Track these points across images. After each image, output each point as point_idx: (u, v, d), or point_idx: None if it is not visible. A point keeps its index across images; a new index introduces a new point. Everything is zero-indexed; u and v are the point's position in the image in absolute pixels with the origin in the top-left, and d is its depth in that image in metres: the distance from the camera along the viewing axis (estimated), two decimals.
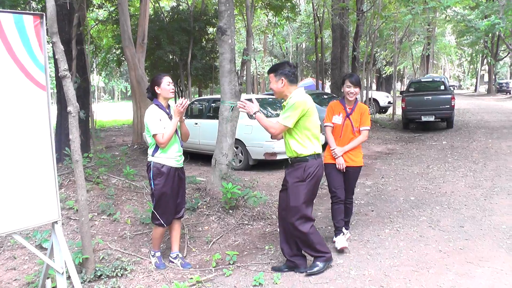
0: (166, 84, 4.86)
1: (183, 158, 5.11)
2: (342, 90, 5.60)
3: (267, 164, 10.75)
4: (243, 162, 10.59)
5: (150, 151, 4.93)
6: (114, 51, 23.65)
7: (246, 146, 10.42)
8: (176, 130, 4.91)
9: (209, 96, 12.97)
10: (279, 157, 10.11)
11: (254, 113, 4.63)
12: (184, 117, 5.15)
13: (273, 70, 4.70)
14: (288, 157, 4.82)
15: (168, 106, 4.96)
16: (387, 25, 21.72)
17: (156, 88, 4.88)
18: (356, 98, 5.52)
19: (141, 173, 8.79)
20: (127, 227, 6.14)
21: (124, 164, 9.18)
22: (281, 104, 11.95)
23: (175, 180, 4.95)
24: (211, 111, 11.86)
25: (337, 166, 5.45)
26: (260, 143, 10.15)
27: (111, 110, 42.16)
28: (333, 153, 5.47)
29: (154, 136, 4.78)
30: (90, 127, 10.82)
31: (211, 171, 7.70)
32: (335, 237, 5.51)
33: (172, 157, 4.89)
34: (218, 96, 9.89)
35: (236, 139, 8.46)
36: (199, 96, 27.27)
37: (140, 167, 10.24)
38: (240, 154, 10.64)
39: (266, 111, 11.48)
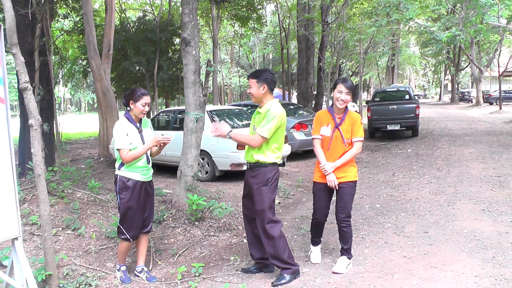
0: (141, 104, 4.78)
1: (151, 171, 5.06)
2: (331, 95, 5.02)
3: (234, 175, 10.75)
4: (209, 173, 10.58)
5: (117, 164, 4.89)
6: (80, 62, 23.41)
7: (212, 157, 10.41)
8: (143, 142, 4.87)
9: (175, 108, 12.93)
10: (245, 167, 10.12)
11: (228, 134, 4.65)
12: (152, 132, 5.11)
13: (256, 75, 4.75)
14: (247, 161, 4.90)
15: (140, 120, 4.92)
16: (352, 36, 22.09)
17: (131, 102, 4.82)
18: (347, 107, 4.95)
19: (106, 186, 8.71)
20: (92, 242, 6.06)
21: (89, 177, 9.07)
22: (245, 115, 12.05)
23: (142, 194, 4.90)
24: (177, 123, 11.83)
25: (328, 184, 4.90)
26: (226, 154, 10.16)
27: (77, 122, 41.65)
28: (323, 170, 4.90)
29: (118, 150, 4.74)
30: (55, 140, 10.67)
31: (176, 183, 7.68)
32: (312, 246, 5.48)
33: (138, 171, 4.84)
34: (183, 107, 9.87)
35: (202, 150, 8.47)
36: (166, 107, 27.13)
37: (106, 180, 10.13)
38: (206, 165, 10.62)
39: (232, 122, 11.50)
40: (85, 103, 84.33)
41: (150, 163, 5.01)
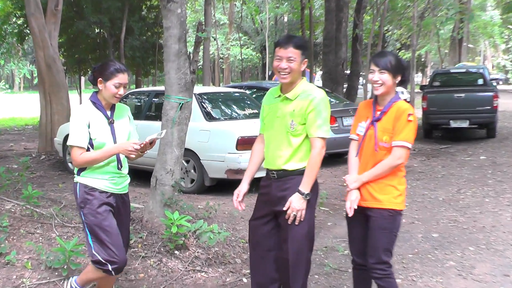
0: (114, 85, 4.69)
1: (127, 179, 5.01)
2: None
3: (230, 185, 10.76)
4: (196, 182, 10.61)
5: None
6: (14, 20, 23.47)
7: (201, 159, 10.43)
8: (114, 138, 4.81)
9: (149, 88, 12.98)
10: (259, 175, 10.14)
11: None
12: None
13: (303, 45, 4.80)
14: (268, 169, 4.89)
15: (112, 106, 4.88)
16: None
17: (99, 81, 4.74)
18: (397, 93, 4.75)
19: (49, 196, 8.74)
20: (27, 274, 6.06)
21: (24, 182, 9.08)
22: (249, 102, 12.05)
23: (111, 210, 4.82)
24: (152, 109, 11.82)
25: (346, 206, 4.77)
26: (220, 156, 10.18)
27: (8, 104, 41.70)
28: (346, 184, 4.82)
29: (70, 148, 4.71)
30: None
31: (149, 195, 7.67)
32: None
33: (106, 177, 4.79)
34: (162, 88, 9.89)
35: (186, 149, 8.44)
36: (136, 87, 27.18)
37: (49, 187, 10.16)
38: (192, 171, 10.65)
39: (230, 111, 11.52)
40: (20, 78, 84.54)
41: (125, 168, 4.96)
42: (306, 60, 4.77)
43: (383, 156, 4.61)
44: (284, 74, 4.69)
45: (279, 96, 4.82)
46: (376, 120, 4.68)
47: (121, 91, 4.72)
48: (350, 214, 4.66)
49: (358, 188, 4.70)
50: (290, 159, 4.72)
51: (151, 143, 4.63)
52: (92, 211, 4.70)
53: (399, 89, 27.23)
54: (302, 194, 4.61)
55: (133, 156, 4.62)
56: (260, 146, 5.04)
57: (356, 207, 4.64)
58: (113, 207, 4.84)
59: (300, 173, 4.70)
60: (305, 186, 4.63)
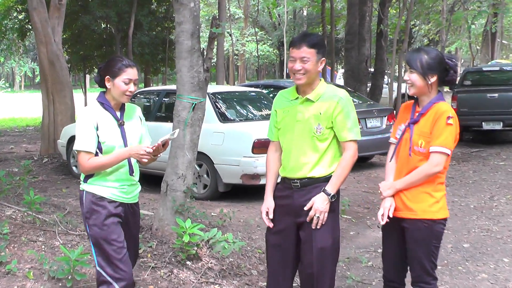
0: (123, 81, 4.63)
1: (137, 187, 4.98)
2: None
3: (246, 191, 10.76)
4: (210, 187, 10.62)
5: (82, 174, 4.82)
6: (15, 14, 23.58)
7: (215, 163, 10.45)
8: (125, 141, 4.74)
9: (160, 87, 13.00)
10: (263, 180, 10.09)
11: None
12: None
13: (318, 43, 4.72)
14: (295, 178, 4.83)
15: (122, 106, 4.81)
16: None
17: (107, 79, 4.68)
18: (439, 94, 4.63)
19: (52, 202, 8.77)
20: (28, 284, 6.09)
21: (26, 187, 9.11)
22: (265, 102, 12.04)
23: (121, 221, 4.76)
24: (163, 110, 11.84)
25: (378, 214, 4.76)
26: (235, 160, 10.18)
27: (8, 104, 41.90)
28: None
29: (77, 153, 4.65)
30: None
31: (160, 201, 7.70)
32: None
33: (115, 185, 4.73)
34: (173, 86, 9.90)
35: (199, 152, 8.46)
36: (145, 86, 27.25)
37: (52, 192, 10.21)
38: (205, 176, 10.67)
39: (246, 112, 11.52)
40: (21, 76, 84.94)
41: (136, 175, 4.92)
42: (323, 59, 4.72)
43: (418, 162, 4.53)
44: (299, 76, 4.67)
45: (297, 98, 4.79)
46: (413, 123, 4.63)
47: (132, 88, 4.66)
48: (382, 222, 4.64)
49: (393, 196, 4.65)
50: (316, 165, 4.71)
51: (164, 145, 4.58)
52: (98, 223, 4.64)
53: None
54: (328, 194, 4.61)
55: (146, 160, 4.57)
56: (276, 155, 5.01)
57: (391, 216, 4.58)
58: (121, 218, 4.77)
59: (326, 180, 4.70)
60: (333, 186, 4.65)
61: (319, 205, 4.59)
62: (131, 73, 4.65)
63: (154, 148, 4.50)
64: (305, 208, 4.65)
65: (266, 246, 5.11)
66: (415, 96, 4.72)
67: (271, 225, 4.88)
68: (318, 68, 4.70)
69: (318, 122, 4.67)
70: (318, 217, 4.60)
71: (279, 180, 5.02)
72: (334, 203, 4.72)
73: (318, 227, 4.62)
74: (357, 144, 4.70)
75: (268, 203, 4.93)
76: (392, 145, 4.85)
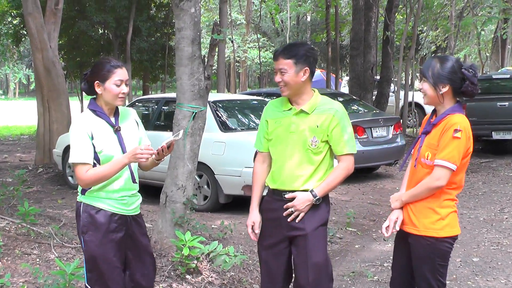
0: (114, 84, 4.48)
1: (138, 199, 4.86)
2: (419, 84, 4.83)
3: (247, 202, 10.74)
4: (210, 199, 10.62)
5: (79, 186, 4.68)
6: (9, 19, 23.62)
7: (215, 174, 10.45)
8: (123, 148, 4.58)
9: (159, 95, 13.01)
10: (265, 192, 10.08)
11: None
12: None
13: (292, 52, 4.66)
14: (287, 191, 4.81)
15: (116, 110, 4.68)
16: None
17: (96, 84, 4.52)
18: (456, 105, 4.51)
19: (47, 213, 8.76)
20: None
21: (20, 197, 9.12)
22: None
23: (122, 236, 4.63)
24: (162, 119, 11.85)
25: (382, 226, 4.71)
26: (236, 170, 10.18)
27: (2, 112, 41.93)
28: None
29: (73, 166, 4.51)
30: None
31: (159, 213, 7.69)
32: None
33: (115, 196, 4.58)
34: (173, 94, 9.90)
35: (199, 163, 8.45)
36: (143, 94, 27.28)
37: (47, 203, 10.20)
38: (206, 187, 10.67)
39: (248, 121, 11.52)
40: (15, 83, 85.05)
41: (137, 183, 4.79)
42: (306, 68, 4.63)
43: (425, 175, 4.45)
44: (281, 88, 4.70)
45: (290, 109, 4.77)
46: (425, 133, 4.58)
47: (124, 89, 4.51)
48: (387, 235, 4.59)
49: (402, 208, 4.61)
50: (310, 179, 4.71)
51: (169, 147, 4.48)
52: (95, 240, 4.51)
53: None
54: (314, 196, 4.63)
55: (145, 159, 4.39)
56: (264, 166, 5.03)
57: (397, 229, 4.55)
58: (123, 232, 4.62)
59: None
60: (320, 190, 4.66)
61: (300, 203, 4.62)
62: (121, 73, 4.51)
63: (158, 150, 4.42)
64: (287, 196, 4.71)
65: (259, 261, 5.11)
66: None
67: (255, 239, 4.93)
68: (299, 79, 4.65)
69: (313, 135, 4.67)
70: (292, 211, 4.65)
71: (265, 193, 5.05)
72: (326, 216, 4.77)
73: (288, 220, 4.67)
74: (353, 157, 4.73)
75: (254, 217, 4.98)
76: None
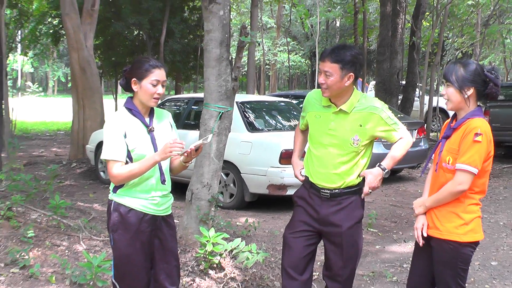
0: (151, 83, 4.41)
1: (170, 199, 4.78)
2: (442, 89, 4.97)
3: (272, 201, 10.71)
4: (236, 197, 10.62)
5: (111, 184, 4.61)
6: (49, 20, 23.75)
7: (241, 173, 10.44)
8: (156, 148, 4.50)
9: (188, 95, 13.02)
10: (290, 191, 10.04)
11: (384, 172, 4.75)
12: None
13: (339, 56, 4.58)
14: (325, 188, 4.81)
15: (151, 111, 4.62)
16: None
17: (133, 81, 4.47)
18: (477, 109, 4.43)
19: (78, 207, 8.79)
20: None
21: (52, 191, 9.16)
22: (295, 113, 11.98)
23: (151, 236, 4.57)
24: (191, 118, 11.85)
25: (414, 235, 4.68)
26: (262, 170, 10.16)
27: (40, 108, 42.22)
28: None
29: (106, 162, 4.45)
30: (3, 132, 10.83)
31: (184, 210, 7.69)
32: None
33: (146, 196, 4.51)
34: (201, 95, 9.88)
35: (226, 161, 8.45)
36: (175, 94, 27.32)
37: (79, 197, 10.23)
38: (232, 185, 10.66)
39: (275, 122, 11.48)
40: (54, 80, 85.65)
41: (168, 184, 4.71)
42: (351, 74, 4.58)
43: (447, 180, 4.39)
44: (323, 89, 4.66)
45: (329, 106, 4.75)
46: (445, 137, 4.52)
47: (160, 90, 4.44)
48: (420, 243, 4.54)
49: (426, 213, 4.57)
50: (349, 175, 4.72)
51: (197, 150, 4.39)
52: (124, 239, 4.47)
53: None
54: (383, 169, 4.64)
55: (176, 152, 4.24)
56: (303, 138, 5.19)
57: (425, 235, 4.49)
58: (153, 232, 4.58)
59: (355, 192, 4.75)
60: (388, 162, 4.70)
61: (372, 179, 4.60)
62: (159, 74, 4.42)
63: (186, 153, 4.34)
64: (361, 175, 4.74)
65: (282, 243, 5.10)
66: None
67: (303, 179, 4.97)
68: (343, 84, 4.59)
69: (356, 134, 4.65)
70: (370, 192, 4.67)
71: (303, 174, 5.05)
72: (361, 213, 4.84)
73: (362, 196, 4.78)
74: (406, 130, 4.82)
75: (300, 164, 5.10)
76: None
